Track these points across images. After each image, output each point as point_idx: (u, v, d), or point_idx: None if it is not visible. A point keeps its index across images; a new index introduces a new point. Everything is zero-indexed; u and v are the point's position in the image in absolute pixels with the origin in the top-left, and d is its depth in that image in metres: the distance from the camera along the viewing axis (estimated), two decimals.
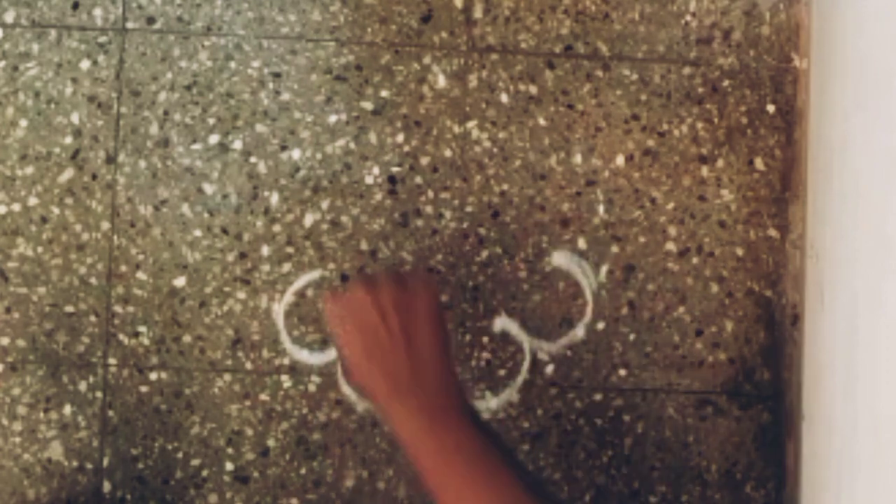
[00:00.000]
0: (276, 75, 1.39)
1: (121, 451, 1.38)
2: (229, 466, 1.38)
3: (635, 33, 1.40)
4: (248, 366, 1.38)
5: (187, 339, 1.38)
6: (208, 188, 1.39)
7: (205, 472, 1.38)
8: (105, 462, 1.38)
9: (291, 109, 1.39)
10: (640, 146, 1.40)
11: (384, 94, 1.39)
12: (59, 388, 1.38)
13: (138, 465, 1.38)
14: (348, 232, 1.38)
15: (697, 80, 1.40)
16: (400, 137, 1.39)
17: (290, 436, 1.38)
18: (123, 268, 1.38)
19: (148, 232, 1.38)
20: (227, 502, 1.38)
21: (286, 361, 1.39)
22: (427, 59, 1.39)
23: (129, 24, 1.39)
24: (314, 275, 1.38)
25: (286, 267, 1.38)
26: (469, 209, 1.39)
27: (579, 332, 1.39)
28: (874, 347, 1.11)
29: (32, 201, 1.38)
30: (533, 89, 1.39)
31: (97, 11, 1.38)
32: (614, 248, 1.39)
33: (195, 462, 1.38)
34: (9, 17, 1.38)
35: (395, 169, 1.38)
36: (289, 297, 1.39)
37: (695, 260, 1.40)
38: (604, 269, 1.39)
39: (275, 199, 1.38)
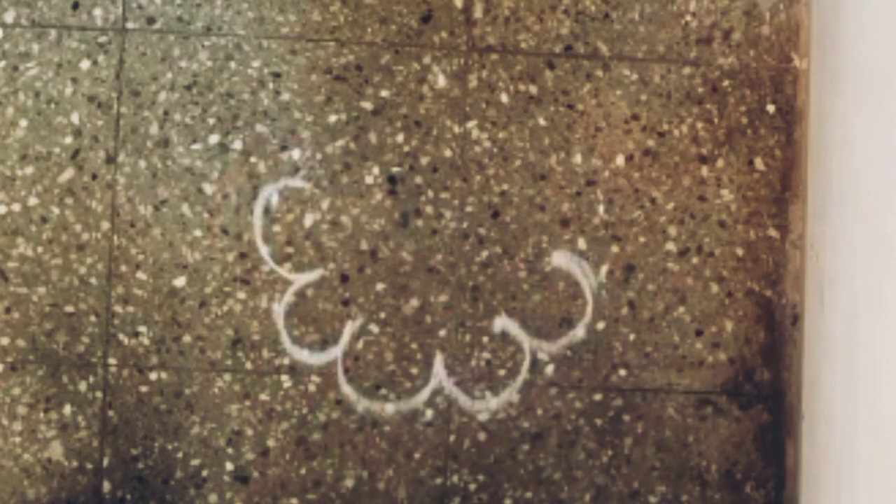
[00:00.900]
0: (276, 75, 1.39)
1: (121, 451, 1.38)
2: (229, 466, 1.38)
3: (635, 33, 1.40)
4: (248, 366, 1.38)
5: (187, 339, 1.38)
6: (208, 188, 1.39)
7: (205, 472, 1.38)
8: (105, 462, 1.38)
9: (291, 109, 1.39)
10: (640, 146, 1.40)
11: (384, 94, 1.39)
12: (59, 388, 1.38)
13: (138, 465, 1.38)
14: (348, 232, 1.38)
15: (697, 80, 1.40)
16: (400, 137, 1.39)
17: (290, 436, 1.38)
18: (123, 268, 1.38)
19: (148, 232, 1.38)
20: (227, 502, 1.38)
21: (286, 361, 1.39)
22: (427, 59, 1.39)
23: (129, 24, 1.38)
24: (314, 275, 1.38)
25: (286, 267, 1.38)
26: (469, 209, 1.39)
27: (579, 332, 1.39)
28: (874, 347, 1.11)
29: (32, 201, 1.38)
30: (533, 89, 1.39)
31: (97, 11, 1.38)
32: (614, 248, 1.39)
33: (195, 462, 1.38)
34: (9, 17, 1.38)
35: (395, 169, 1.38)
36: (289, 297, 1.38)
37: (695, 260, 1.40)
38: (604, 269, 1.39)
39: (275, 198, 1.38)
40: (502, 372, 1.39)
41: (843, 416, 1.20)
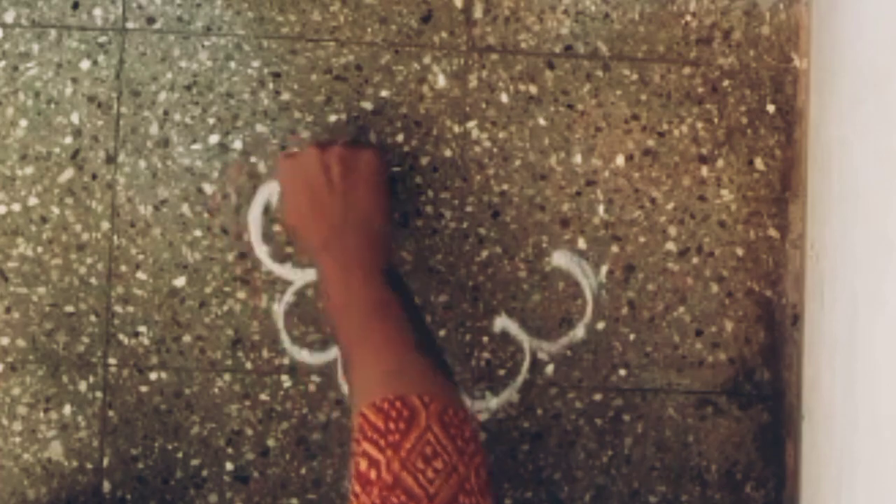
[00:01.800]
0: (276, 75, 1.39)
1: (121, 451, 1.38)
2: (229, 466, 1.38)
3: (635, 33, 1.40)
4: (248, 366, 1.38)
5: (187, 339, 1.38)
6: (208, 188, 1.39)
7: (205, 472, 1.38)
8: (105, 462, 1.38)
9: (291, 109, 1.39)
10: (640, 146, 1.40)
11: (384, 94, 1.39)
12: (59, 388, 1.38)
13: (138, 465, 1.38)
14: None
15: (697, 80, 1.40)
16: (400, 137, 1.39)
17: (290, 436, 1.38)
18: (123, 268, 1.38)
19: (148, 232, 1.38)
20: (227, 502, 1.38)
21: (286, 361, 1.39)
22: (427, 59, 1.39)
23: (129, 24, 1.39)
24: (314, 274, 1.38)
25: (286, 267, 1.38)
26: (469, 209, 1.39)
27: (579, 332, 1.39)
28: (874, 347, 1.11)
29: (32, 201, 1.38)
30: (533, 89, 1.39)
31: (97, 11, 1.38)
32: (614, 248, 1.39)
33: (195, 462, 1.38)
34: (9, 17, 1.38)
35: (395, 169, 1.38)
36: (289, 297, 1.39)
37: (695, 260, 1.40)
38: (604, 269, 1.39)
39: (275, 199, 1.38)
40: (502, 372, 1.39)
41: (843, 416, 1.20)
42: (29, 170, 1.38)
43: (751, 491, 1.39)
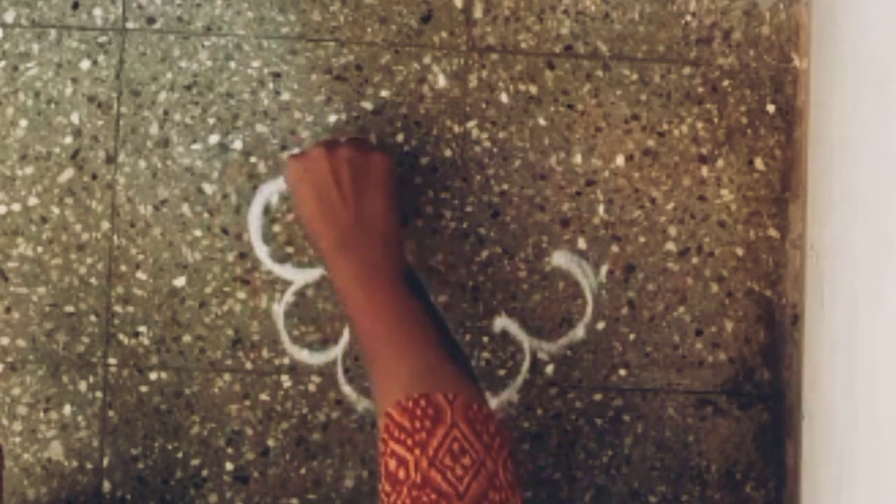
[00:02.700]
0: (276, 75, 1.39)
1: (121, 451, 1.38)
2: (229, 466, 1.38)
3: (635, 33, 1.40)
4: (248, 366, 1.38)
5: (187, 339, 1.38)
6: (208, 188, 1.39)
7: (205, 472, 1.38)
8: (105, 462, 1.38)
9: (291, 109, 1.39)
10: (640, 146, 1.40)
11: (384, 94, 1.39)
12: (59, 388, 1.38)
13: (138, 465, 1.38)
14: None
15: (697, 80, 1.40)
16: (400, 137, 1.39)
17: (290, 436, 1.38)
18: (123, 268, 1.38)
19: (148, 232, 1.38)
20: (227, 502, 1.38)
21: (286, 361, 1.39)
22: (427, 59, 1.39)
23: (129, 24, 1.39)
24: (314, 274, 1.38)
25: (286, 267, 1.38)
26: (469, 209, 1.39)
27: (579, 332, 1.39)
28: (874, 347, 1.11)
29: (32, 201, 1.38)
30: (533, 89, 1.39)
31: (97, 11, 1.38)
32: (614, 248, 1.39)
33: (195, 462, 1.38)
34: (9, 17, 1.38)
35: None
36: (289, 297, 1.39)
37: (695, 260, 1.40)
38: (604, 269, 1.39)
39: (275, 199, 1.38)
40: (502, 372, 1.39)
41: (843, 416, 1.20)
42: (29, 170, 1.38)
43: (751, 491, 1.39)
